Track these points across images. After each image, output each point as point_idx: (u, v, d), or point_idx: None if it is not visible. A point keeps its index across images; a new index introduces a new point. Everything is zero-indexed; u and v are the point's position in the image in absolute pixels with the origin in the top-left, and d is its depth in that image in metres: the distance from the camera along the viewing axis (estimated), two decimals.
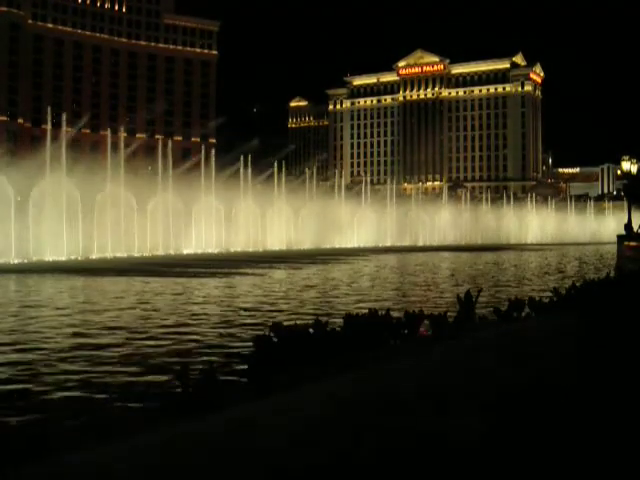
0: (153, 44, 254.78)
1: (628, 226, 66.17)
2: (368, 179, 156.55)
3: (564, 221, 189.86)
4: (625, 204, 76.67)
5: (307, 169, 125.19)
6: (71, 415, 11.74)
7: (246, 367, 11.51)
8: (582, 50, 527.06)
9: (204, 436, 6.72)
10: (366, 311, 13.54)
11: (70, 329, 23.81)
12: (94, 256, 75.62)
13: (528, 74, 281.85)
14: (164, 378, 15.37)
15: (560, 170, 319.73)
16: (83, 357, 18.44)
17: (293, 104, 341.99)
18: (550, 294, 21.47)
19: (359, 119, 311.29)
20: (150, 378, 16.00)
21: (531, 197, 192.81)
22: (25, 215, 70.96)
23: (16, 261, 66.45)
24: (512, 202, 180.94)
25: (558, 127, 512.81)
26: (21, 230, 69.56)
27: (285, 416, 7.51)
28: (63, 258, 71.45)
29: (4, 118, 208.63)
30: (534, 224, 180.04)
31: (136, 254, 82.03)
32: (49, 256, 70.99)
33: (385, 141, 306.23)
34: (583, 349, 12.64)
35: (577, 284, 21.83)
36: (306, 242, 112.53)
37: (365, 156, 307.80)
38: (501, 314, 17.50)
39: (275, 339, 11.49)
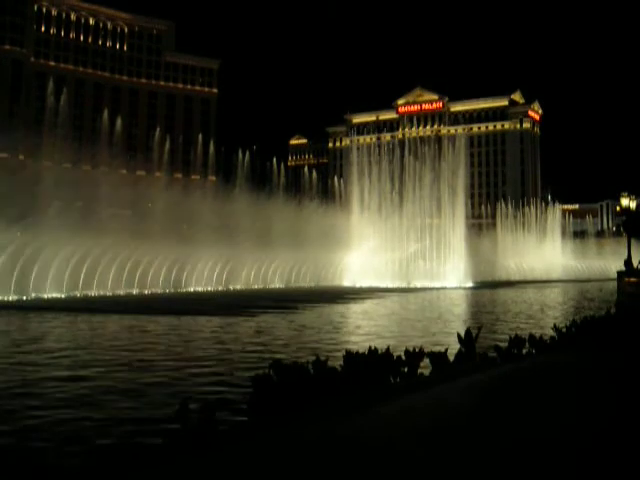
0: (154, 82, 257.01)
1: (628, 262, 66.11)
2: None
3: (564, 257, 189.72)
4: (624, 240, 76.63)
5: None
6: None
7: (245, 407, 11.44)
8: (581, 87, 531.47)
9: None
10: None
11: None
12: (93, 293, 75.52)
13: (526, 111, 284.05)
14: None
15: (559, 207, 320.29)
16: None
17: (293, 142, 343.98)
18: (551, 331, 21.40)
19: (358, 156, 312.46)
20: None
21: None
22: (25, 251, 70.88)
23: (13, 298, 66.26)
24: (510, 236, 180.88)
25: (557, 164, 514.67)
26: (20, 266, 69.43)
27: None
28: (63, 295, 71.35)
29: (5, 155, 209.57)
30: (533, 260, 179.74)
31: (135, 292, 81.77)
32: (47, 293, 70.87)
33: (384, 178, 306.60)
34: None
35: (577, 321, 21.75)
36: (305, 280, 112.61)
37: (364, 193, 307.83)
38: (501, 352, 17.41)
39: (275, 378, 11.42)
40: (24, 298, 66.53)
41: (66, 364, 23.37)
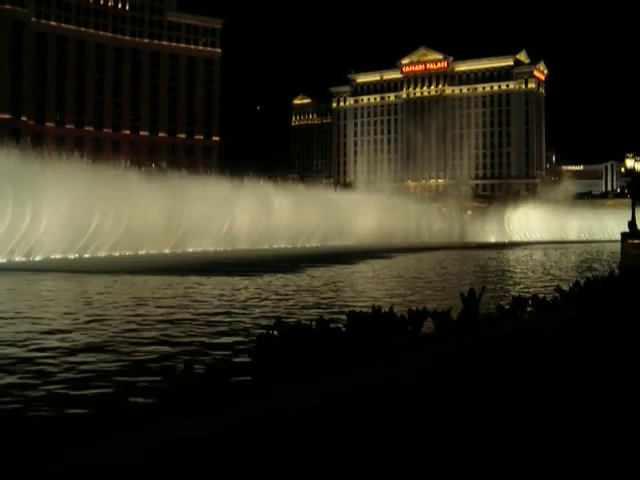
0: (156, 42, 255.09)
1: (632, 224, 65.99)
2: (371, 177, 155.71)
3: (566, 219, 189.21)
4: (629, 201, 76.36)
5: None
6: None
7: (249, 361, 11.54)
8: (587, 47, 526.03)
9: None
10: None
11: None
12: (87, 255, 74.95)
13: (532, 71, 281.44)
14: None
15: (563, 168, 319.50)
16: None
17: (297, 102, 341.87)
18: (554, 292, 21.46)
19: (362, 116, 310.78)
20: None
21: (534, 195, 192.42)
22: (28, 213, 70.74)
23: (19, 259, 66.26)
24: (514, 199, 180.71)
25: (562, 124, 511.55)
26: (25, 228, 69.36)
27: None
28: (71, 256, 71.31)
29: (7, 116, 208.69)
30: (536, 222, 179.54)
31: (142, 252, 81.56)
32: (54, 254, 70.77)
33: (389, 139, 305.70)
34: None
35: (580, 282, 21.79)
36: (311, 240, 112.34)
37: (368, 154, 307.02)
38: (504, 312, 17.48)
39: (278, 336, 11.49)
40: (30, 259, 66.60)
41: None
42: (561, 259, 79.11)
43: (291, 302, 30.80)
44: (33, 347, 18.95)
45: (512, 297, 18.46)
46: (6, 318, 25.09)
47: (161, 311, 27.62)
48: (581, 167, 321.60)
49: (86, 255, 73.04)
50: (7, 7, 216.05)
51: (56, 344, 19.52)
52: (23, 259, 66.26)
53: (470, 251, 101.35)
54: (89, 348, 18.84)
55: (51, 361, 16.90)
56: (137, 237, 79.95)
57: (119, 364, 16.54)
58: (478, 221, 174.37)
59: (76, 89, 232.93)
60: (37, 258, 67.36)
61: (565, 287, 21.93)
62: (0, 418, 9.43)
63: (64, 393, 13.70)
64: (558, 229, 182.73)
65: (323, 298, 32.57)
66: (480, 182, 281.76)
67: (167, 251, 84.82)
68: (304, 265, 58.66)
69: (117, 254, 77.30)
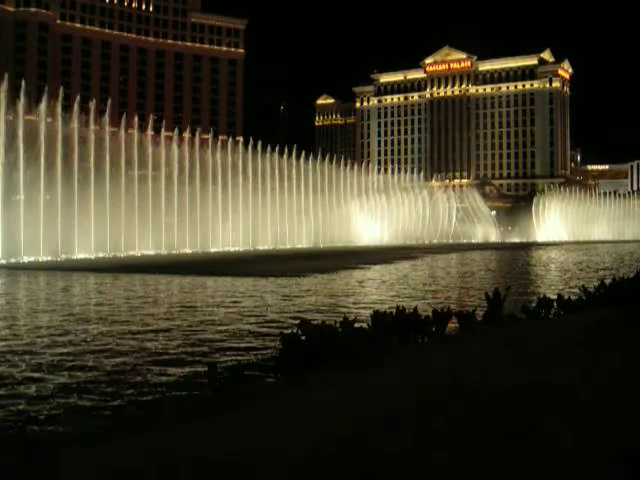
0: (180, 43, 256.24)
1: None
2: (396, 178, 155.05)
3: (592, 218, 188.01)
4: None
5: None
6: None
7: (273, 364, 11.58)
8: (612, 46, 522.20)
9: None
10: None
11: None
12: (122, 254, 76.00)
13: (556, 70, 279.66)
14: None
15: (589, 167, 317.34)
16: None
17: (320, 102, 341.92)
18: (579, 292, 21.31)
19: (386, 116, 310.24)
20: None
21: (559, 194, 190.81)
22: (54, 213, 71.45)
23: (45, 259, 66.87)
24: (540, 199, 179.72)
25: (587, 124, 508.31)
26: (50, 228, 70.04)
27: None
28: (92, 256, 71.94)
29: (34, 118, 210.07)
30: (561, 221, 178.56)
31: (163, 252, 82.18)
32: (77, 254, 71.45)
33: (412, 139, 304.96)
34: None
35: (606, 282, 21.61)
36: (329, 240, 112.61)
37: (392, 154, 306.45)
38: (529, 312, 17.41)
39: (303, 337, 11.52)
40: (57, 259, 67.15)
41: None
42: (593, 259, 78.02)
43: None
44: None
45: (537, 297, 18.38)
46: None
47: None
48: (607, 166, 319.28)
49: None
50: (32, 10, 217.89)
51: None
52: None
53: (502, 251, 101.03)
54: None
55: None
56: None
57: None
58: (503, 221, 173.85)
59: (100, 90, 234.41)
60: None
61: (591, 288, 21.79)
62: None
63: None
64: (587, 228, 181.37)
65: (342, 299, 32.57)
66: (504, 182, 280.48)
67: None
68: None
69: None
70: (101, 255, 73.09)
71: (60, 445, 7.71)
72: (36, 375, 15.23)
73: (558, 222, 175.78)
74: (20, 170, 69.97)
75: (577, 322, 15.82)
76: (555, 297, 18.53)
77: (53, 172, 73.59)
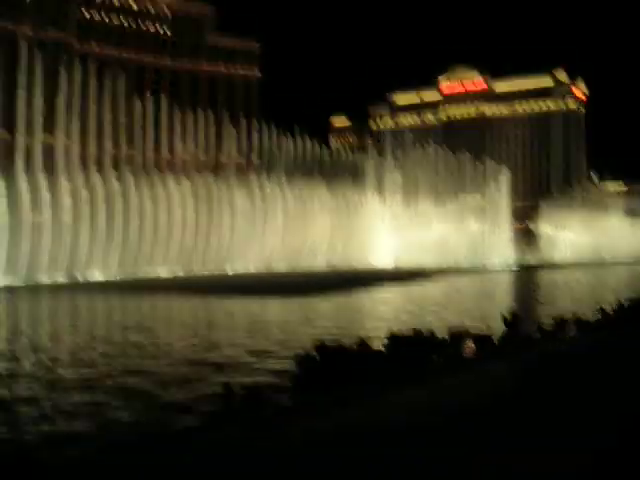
0: (195, 64, 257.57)
1: None
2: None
3: (610, 238, 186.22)
4: None
5: None
6: None
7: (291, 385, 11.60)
8: (627, 65, 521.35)
9: None
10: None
11: None
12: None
13: (571, 90, 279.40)
14: None
15: (605, 186, 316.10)
16: None
17: (334, 122, 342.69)
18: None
19: (401, 137, 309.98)
20: None
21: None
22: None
23: (62, 279, 67.00)
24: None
25: (604, 143, 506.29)
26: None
27: None
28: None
29: (49, 138, 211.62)
30: (577, 241, 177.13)
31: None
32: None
33: (427, 159, 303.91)
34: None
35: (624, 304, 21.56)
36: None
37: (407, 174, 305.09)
38: (545, 333, 17.36)
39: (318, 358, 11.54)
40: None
41: None
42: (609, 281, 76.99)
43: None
44: None
45: (553, 319, 18.33)
46: None
47: None
48: (623, 186, 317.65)
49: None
50: (50, 32, 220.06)
51: None
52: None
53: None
54: None
55: None
56: None
57: None
58: (518, 242, 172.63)
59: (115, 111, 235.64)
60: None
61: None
62: None
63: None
64: (605, 248, 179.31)
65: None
66: (520, 203, 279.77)
67: None
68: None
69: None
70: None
71: None
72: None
73: (577, 242, 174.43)
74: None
75: None
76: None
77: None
